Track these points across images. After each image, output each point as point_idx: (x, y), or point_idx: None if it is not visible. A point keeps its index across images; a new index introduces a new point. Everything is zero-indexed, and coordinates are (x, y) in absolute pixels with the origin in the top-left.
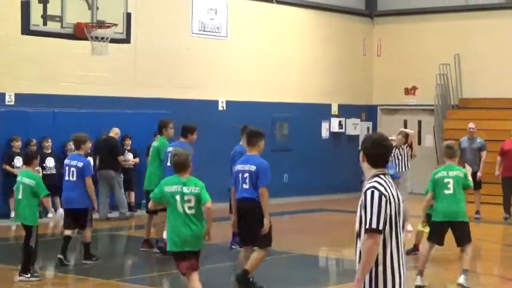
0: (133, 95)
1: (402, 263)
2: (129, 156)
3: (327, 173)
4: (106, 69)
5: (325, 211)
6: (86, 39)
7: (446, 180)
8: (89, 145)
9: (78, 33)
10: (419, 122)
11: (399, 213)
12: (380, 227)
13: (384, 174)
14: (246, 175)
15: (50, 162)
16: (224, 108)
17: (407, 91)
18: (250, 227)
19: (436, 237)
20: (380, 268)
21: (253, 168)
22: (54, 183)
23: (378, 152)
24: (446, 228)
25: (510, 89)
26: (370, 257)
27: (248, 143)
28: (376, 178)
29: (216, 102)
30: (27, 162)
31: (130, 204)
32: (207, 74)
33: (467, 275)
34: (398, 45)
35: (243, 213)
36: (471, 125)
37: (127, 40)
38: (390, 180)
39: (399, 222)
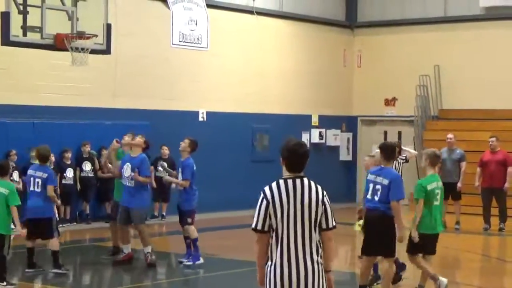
0: (113, 106)
1: (292, 261)
2: (109, 166)
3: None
4: (86, 80)
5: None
6: (66, 50)
7: (437, 191)
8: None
9: (58, 43)
10: (399, 133)
11: (294, 215)
12: (259, 227)
13: (290, 178)
14: (378, 187)
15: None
16: (205, 119)
17: (387, 102)
18: (377, 237)
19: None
20: (269, 263)
21: (385, 182)
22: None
23: (291, 159)
24: (435, 239)
25: (490, 100)
26: (257, 257)
27: (385, 156)
28: (275, 182)
29: (197, 113)
30: (2, 172)
31: (110, 215)
32: (187, 85)
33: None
34: (378, 56)
35: (370, 222)
36: (449, 135)
37: (107, 51)
38: (296, 184)
39: (291, 224)
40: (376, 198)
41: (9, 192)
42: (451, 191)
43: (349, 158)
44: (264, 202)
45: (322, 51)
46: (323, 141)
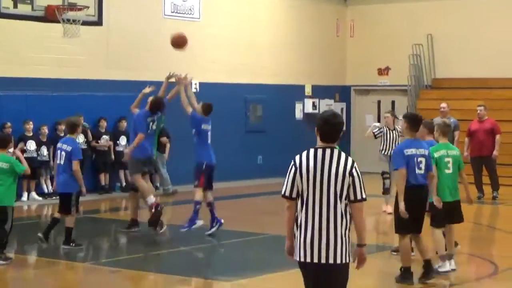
0: (105, 78)
1: (315, 229)
2: (106, 138)
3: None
4: (78, 52)
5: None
6: (58, 21)
7: (446, 159)
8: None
9: (49, 15)
10: (393, 103)
11: (320, 184)
12: (287, 193)
13: (321, 148)
14: (421, 159)
15: (31, 145)
16: (197, 90)
17: (381, 72)
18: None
19: (441, 220)
20: (296, 228)
21: (426, 152)
22: (34, 166)
23: (324, 129)
24: (446, 209)
25: (483, 69)
26: (286, 222)
27: (412, 127)
28: (306, 150)
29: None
30: (1, 145)
31: (104, 186)
32: (179, 56)
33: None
34: (371, 26)
35: (418, 200)
36: (443, 105)
37: (99, 23)
38: (325, 153)
39: (317, 192)
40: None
41: (9, 165)
42: None
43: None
44: (293, 168)
45: (315, 21)
46: (316, 111)
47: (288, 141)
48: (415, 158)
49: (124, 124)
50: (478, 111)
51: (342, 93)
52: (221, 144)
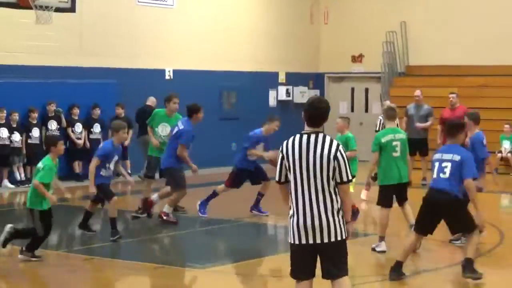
0: (78, 65)
1: (307, 212)
2: (79, 126)
3: (275, 141)
4: (51, 39)
5: (273, 179)
6: (30, 8)
7: (394, 143)
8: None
9: (22, 2)
10: (366, 90)
11: (307, 168)
12: (277, 178)
13: (307, 133)
14: (446, 164)
15: (3, 132)
16: (171, 78)
17: (354, 59)
18: (451, 219)
19: (390, 201)
20: (290, 212)
21: (457, 158)
22: (6, 153)
23: (310, 113)
24: (394, 191)
25: (456, 56)
26: (283, 201)
27: (449, 134)
28: (293, 136)
29: (163, 71)
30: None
31: (78, 174)
32: (153, 43)
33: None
34: (345, 13)
35: (436, 204)
36: (417, 92)
37: (72, 9)
38: (310, 138)
39: (304, 176)
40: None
41: (40, 167)
42: (418, 147)
43: None
44: (280, 155)
45: (289, 8)
46: (290, 98)
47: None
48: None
49: (97, 111)
50: (451, 99)
51: (316, 80)
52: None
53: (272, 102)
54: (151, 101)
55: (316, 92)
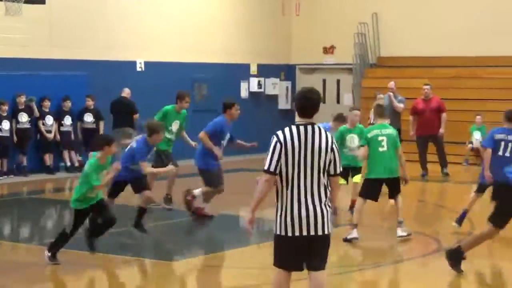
0: (49, 57)
1: (300, 204)
2: (50, 118)
3: (247, 133)
4: (20, 30)
5: (245, 171)
6: None
7: (380, 138)
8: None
9: None
10: (338, 81)
11: (304, 160)
12: (271, 169)
13: (302, 124)
14: None
15: None
16: (143, 69)
17: (326, 50)
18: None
19: (372, 193)
20: (278, 205)
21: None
22: None
23: (302, 103)
24: (380, 185)
25: (428, 47)
26: (259, 193)
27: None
28: (288, 127)
29: (134, 63)
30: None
31: (48, 167)
32: (124, 35)
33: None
34: (317, 5)
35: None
36: (391, 84)
37: (41, 1)
38: (307, 129)
39: (302, 167)
40: None
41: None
42: None
43: (288, 106)
44: (278, 145)
45: (260, 0)
46: (261, 90)
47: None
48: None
49: (68, 103)
50: (425, 90)
51: (288, 72)
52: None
53: (244, 93)
54: (126, 92)
55: (288, 84)
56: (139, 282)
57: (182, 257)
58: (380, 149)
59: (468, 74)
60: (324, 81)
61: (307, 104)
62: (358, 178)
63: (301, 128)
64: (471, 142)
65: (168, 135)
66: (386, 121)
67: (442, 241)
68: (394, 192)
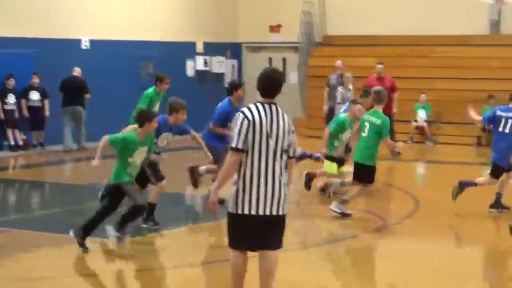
0: None
1: (266, 183)
2: None
3: (193, 111)
4: None
5: (190, 149)
6: None
7: (365, 123)
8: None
9: None
10: (284, 60)
11: (269, 139)
12: (239, 146)
13: (267, 103)
14: None
15: None
16: (88, 47)
17: (272, 29)
18: None
19: (354, 175)
20: (238, 182)
21: None
22: None
23: (265, 84)
24: (357, 167)
25: (373, 26)
26: (226, 171)
27: None
28: (252, 104)
29: (79, 41)
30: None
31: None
32: (70, 13)
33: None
34: None
35: None
36: (338, 63)
37: None
38: (272, 109)
39: (268, 146)
40: None
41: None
42: None
43: None
44: (246, 122)
45: None
46: (208, 68)
47: (180, 98)
48: None
49: (12, 82)
50: (378, 69)
51: (234, 50)
52: (113, 102)
53: (190, 72)
54: (77, 71)
55: (234, 62)
56: (97, 262)
57: (132, 235)
58: (362, 134)
59: (413, 53)
60: (270, 59)
61: (270, 84)
62: (345, 168)
63: (266, 106)
64: (415, 120)
65: None
66: (380, 109)
67: (388, 219)
68: (356, 178)
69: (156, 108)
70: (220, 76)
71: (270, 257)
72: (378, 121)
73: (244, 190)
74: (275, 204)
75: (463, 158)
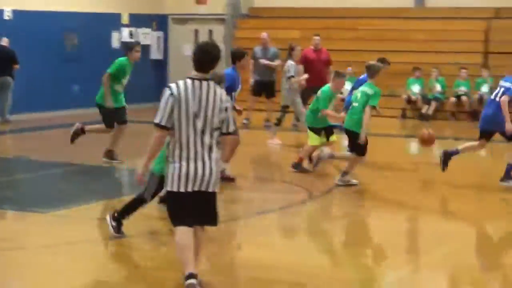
0: None
1: (195, 161)
2: None
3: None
4: None
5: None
6: None
7: (357, 93)
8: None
9: None
10: (210, 32)
11: (197, 115)
12: (163, 123)
13: (198, 79)
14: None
15: None
16: (11, 18)
17: (199, 1)
18: None
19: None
20: (169, 160)
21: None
22: None
23: (199, 57)
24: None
25: None
26: (151, 147)
27: None
28: (182, 80)
29: (1, 11)
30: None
31: None
32: None
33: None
34: None
35: None
36: (263, 35)
37: None
38: (202, 85)
39: (195, 125)
40: None
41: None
42: (264, 89)
43: (160, 57)
44: (171, 98)
45: None
46: (133, 40)
47: (105, 70)
48: None
49: None
50: (316, 41)
51: (160, 22)
52: (37, 73)
53: (115, 43)
54: (5, 41)
55: (160, 34)
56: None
57: (53, 208)
58: (354, 104)
59: (339, 25)
60: (196, 31)
61: (205, 58)
62: (333, 137)
63: (196, 82)
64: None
65: (119, 89)
66: (373, 82)
67: (312, 191)
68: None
69: (125, 80)
70: (146, 48)
71: (199, 233)
72: (370, 91)
73: (174, 168)
74: (205, 181)
75: (388, 130)
